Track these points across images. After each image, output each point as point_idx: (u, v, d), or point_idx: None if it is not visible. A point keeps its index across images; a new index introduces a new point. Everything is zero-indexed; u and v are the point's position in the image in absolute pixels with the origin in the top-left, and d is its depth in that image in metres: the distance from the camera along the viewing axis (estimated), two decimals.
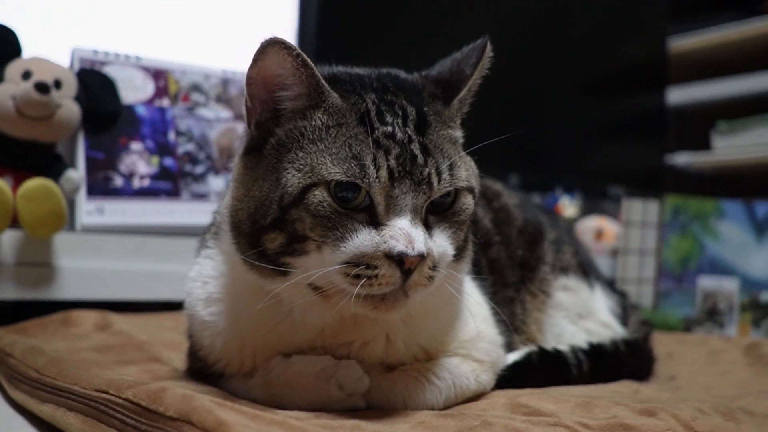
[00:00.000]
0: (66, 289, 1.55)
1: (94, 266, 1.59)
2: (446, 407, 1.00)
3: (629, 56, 3.33)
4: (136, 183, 1.67)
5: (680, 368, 1.46)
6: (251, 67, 0.91)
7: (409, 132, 0.91)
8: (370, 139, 0.89)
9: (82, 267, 1.57)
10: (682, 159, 3.12)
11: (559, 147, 3.02)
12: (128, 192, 1.66)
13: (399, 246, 0.86)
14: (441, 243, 0.92)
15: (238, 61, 1.94)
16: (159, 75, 1.77)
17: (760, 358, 1.44)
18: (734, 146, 2.96)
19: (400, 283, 0.87)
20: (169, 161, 1.71)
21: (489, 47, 1.03)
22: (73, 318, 1.49)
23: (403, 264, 0.86)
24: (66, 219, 1.49)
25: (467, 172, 0.96)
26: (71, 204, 1.61)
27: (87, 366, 1.10)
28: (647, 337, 1.49)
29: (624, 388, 1.22)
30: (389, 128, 0.90)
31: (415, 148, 0.90)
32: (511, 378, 1.14)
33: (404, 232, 0.87)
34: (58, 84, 1.54)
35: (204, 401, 0.78)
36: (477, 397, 1.06)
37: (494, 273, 1.32)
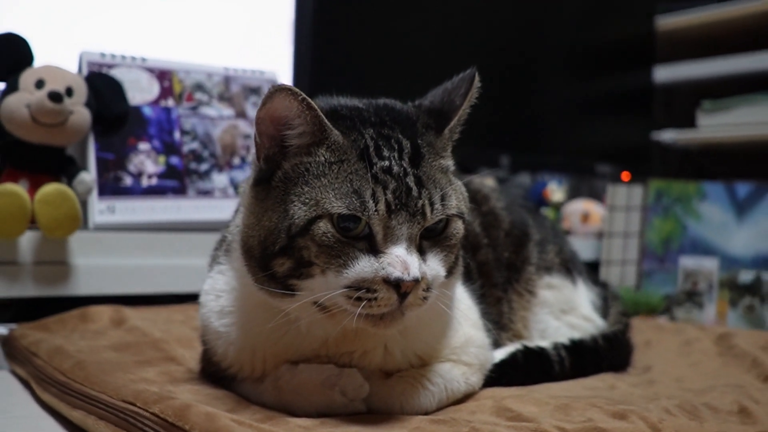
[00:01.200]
0: (81, 286, 1.65)
1: (107, 263, 1.68)
2: (439, 409, 1.12)
3: (617, 34, 3.41)
4: (145, 182, 1.76)
5: (655, 358, 1.57)
6: (260, 109, 1.00)
7: (405, 165, 1.01)
8: (369, 174, 0.98)
9: (96, 264, 1.67)
10: (668, 136, 3.20)
11: (548, 126, 3.11)
12: (137, 191, 1.75)
13: (396, 273, 0.96)
14: (433, 266, 1.02)
15: (238, 59, 2.02)
16: (164, 75, 1.85)
17: (729, 349, 1.55)
18: (718, 125, 3.05)
19: (397, 305, 0.98)
20: (175, 160, 1.80)
21: (477, 78, 1.12)
22: (90, 314, 1.59)
23: (400, 288, 0.96)
24: (80, 221, 1.58)
25: (457, 199, 1.06)
26: (84, 204, 1.70)
27: (111, 370, 1.20)
28: (626, 328, 1.60)
29: (602, 383, 1.33)
30: (386, 162, 1.00)
31: (410, 180, 0.99)
32: (498, 378, 1.25)
33: (400, 260, 0.97)
34: (69, 91, 1.62)
35: (226, 420, 0.88)
36: (467, 397, 1.18)
37: (483, 275, 1.42)
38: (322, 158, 1.00)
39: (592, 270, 2.35)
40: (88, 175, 1.66)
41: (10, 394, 1.31)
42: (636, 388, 1.31)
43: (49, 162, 1.65)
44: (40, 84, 1.60)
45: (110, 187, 1.72)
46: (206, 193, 1.82)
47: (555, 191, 2.43)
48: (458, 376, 1.16)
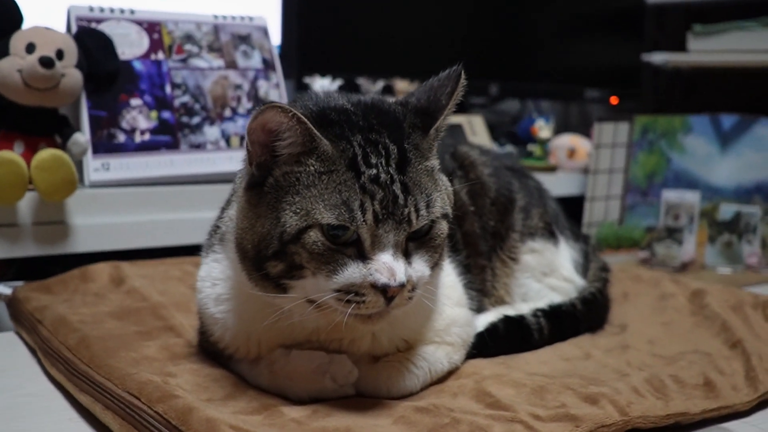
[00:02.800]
0: (80, 243, 1.70)
1: (104, 219, 1.73)
2: (424, 389, 1.20)
3: None
4: (138, 138, 1.78)
5: (631, 314, 1.65)
6: (251, 122, 1.03)
7: (392, 172, 1.05)
8: (357, 185, 1.02)
9: (93, 221, 1.72)
10: (658, 58, 3.21)
11: (536, 52, 3.10)
12: (131, 147, 1.78)
13: (382, 279, 1.02)
14: (419, 268, 1.08)
15: (226, 5, 2.01)
16: (153, 28, 1.85)
17: (702, 309, 1.63)
18: (709, 50, 3.05)
19: (384, 306, 1.04)
20: (166, 114, 1.82)
21: (463, 76, 1.15)
22: (90, 273, 1.65)
23: (387, 293, 1.02)
24: (77, 184, 1.62)
25: (442, 201, 1.10)
26: (79, 163, 1.73)
27: (114, 348, 1.27)
28: (604, 285, 1.67)
29: (578, 350, 1.41)
30: (374, 171, 1.04)
31: (397, 188, 1.04)
32: (480, 350, 1.33)
33: (387, 266, 1.02)
34: (60, 54, 1.63)
35: (226, 429, 0.95)
36: (450, 373, 1.26)
37: (468, 245, 1.48)
38: (312, 168, 1.04)
39: (576, 206, 2.42)
40: (83, 136, 1.69)
41: (20, 365, 1.37)
42: (610, 356, 1.39)
43: (42, 123, 1.67)
44: (30, 48, 1.60)
45: (104, 145, 1.75)
46: (198, 147, 1.85)
47: (542, 128, 2.46)
48: (442, 357, 1.24)
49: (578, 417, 1.09)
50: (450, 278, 1.33)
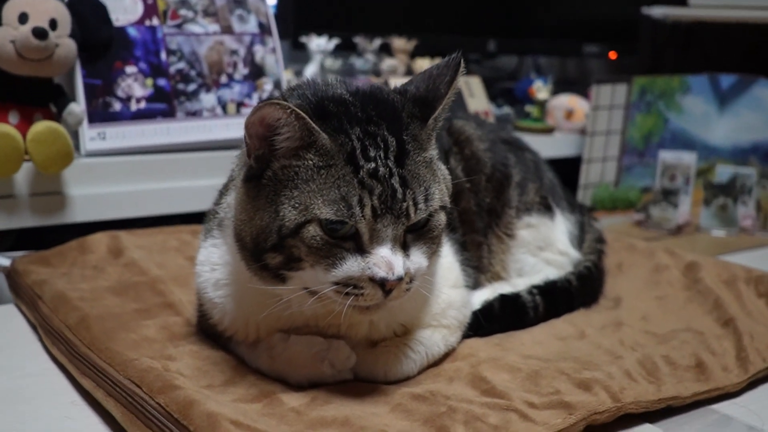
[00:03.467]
0: (77, 213, 1.71)
1: (101, 189, 1.73)
2: (420, 372, 1.22)
3: None
4: (134, 106, 1.77)
5: (625, 287, 1.66)
6: (250, 117, 1.03)
7: (390, 165, 1.05)
8: (355, 180, 1.02)
9: (90, 190, 1.72)
10: (658, 12, 3.17)
11: (534, 5, 3.06)
12: (127, 116, 1.76)
13: (381, 273, 1.02)
14: (417, 260, 1.08)
15: None
16: None
17: (695, 283, 1.64)
18: (709, 4, 3.02)
19: (382, 299, 1.05)
20: (162, 82, 1.80)
21: (462, 66, 1.14)
22: (88, 244, 1.65)
23: (385, 286, 1.03)
24: (73, 156, 1.62)
25: (440, 192, 1.10)
26: (75, 132, 1.73)
27: (114, 329, 1.28)
28: (599, 257, 1.69)
29: (573, 329, 1.43)
30: (372, 164, 1.03)
31: (395, 182, 1.04)
32: (476, 331, 1.35)
33: (385, 260, 1.03)
34: (53, 24, 1.61)
35: (226, 425, 0.97)
36: (447, 355, 1.28)
37: (464, 223, 1.48)
38: (311, 162, 1.04)
39: (573, 167, 2.42)
40: (78, 107, 1.67)
41: (20, 341, 1.39)
42: (604, 334, 1.41)
43: (37, 93, 1.66)
44: (23, 18, 1.58)
45: (100, 114, 1.74)
46: (195, 115, 1.84)
47: (540, 89, 2.44)
48: (438, 340, 1.25)
49: (572, 404, 1.11)
50: (447, 259, 1.34)
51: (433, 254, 1.13)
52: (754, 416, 1.22)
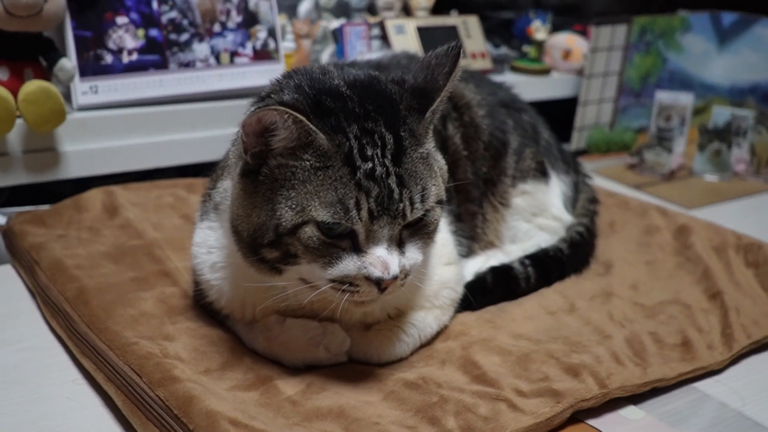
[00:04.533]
0: (71, 169, 1.70)
1: (94, 143, 1.72)
2: (413, 353, 1.25)
3: None
4: (125, 58, 1.74)
5: (617, 250, 1.68)
6: (247, 118, 1.02)
7: (387, 164, 1.04)
8: (352, 182, 1.02)
9: (83, 145, 1.71)
10: None
11: None
12: (119, 69, 1.73)
13: (376, 272, 1.04)
14: (412, 256, 1.10)
15: None
16: None
17: (685, 249, 1.66)
18: None
19: (377, 295, 1.07)
20: (154, 32, 1.76)
21: (461, 56, 1.12)
22: (83, 202, 1.65)
23: (380, 284, 1.05)
24: (65, 114, 1.60)
25: (437, 188, 1.11)
26: (66, 86, 1.70)
27: (112, 304, 1.30)
28: (592, 219, 1.70)
29: (563, 300, 1.46)
30: (369, 164, 1.03)
31: (392, 182, 1.04)
32: (468, 305, 1.37)
33: (381, 260, 1.04)
34: None
35: (225, 425, 1.00)
36: (440, 332, 1.31)
37: (460, 192, 1.49)
38: (308, 164, 1.03)
39: (569, 108, 2.40)
40: (69, 62, 1.65)
41: (19, 309, 1.40)
42: (593, 307, 1.43)
43: (27, 48, 1.63)
44: None
45: (91, 67, 1.71)
46: (187, 66, 1.81)
47: (539, 29, 2.39)
48: (431, 321, 1.28)
49: (559, 392, 1.15)
50: (441, 234, 1.34)
51: (428, 247, 1.14)
52: (734, 395, 1.26)
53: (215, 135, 1.85)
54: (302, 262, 1.07)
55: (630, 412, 1.20)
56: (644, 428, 1.17)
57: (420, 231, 1.10)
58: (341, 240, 1.05)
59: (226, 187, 1.19)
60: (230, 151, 1.21)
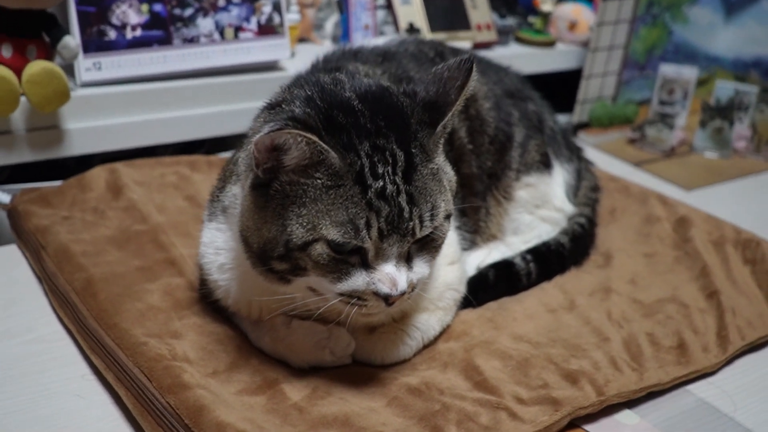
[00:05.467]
0: (74, 146, 1.70)
1: (98, 120, 1.71)
2: (416, 354, 1.28)
3: None
4: (129, 34, 1.72)
5: (616, 239, 1.70)
6: (260, 137, 1.01)
7: (398, 182, 1.05)
8: (363, 201, 1.03)
9: (87, 122, 1.70)
10: None
11: None
12: (122, 45, 1.71)
13: (384, 289, 1.06)
14: (419, 270, 1.11)
15: None
16: None
17: (684, 243, 1.68)
18: None
19: (384, 309, 1.09)
20: (158, 7, 1.74)
21: (474, 70, 1.12)
22: (87, 181, 1.66)
23: (388, 300, 1.07)
24: (69, 95, 1.59)
25: (446, 203, 1.11)
26: (70, 64, 1.69)
27: (120, 298, 1.31)
28: (593, 208, 1.72)
29: (563, 296, 1.48)
30: (380, 183, 1.04)
31: (402, 200, 1.05)
32: (469, 303, 1.39)
33: (390, 277, 1.06)
34: None
35: None
36: (442, 332, 1.33)
37: (464, 186, 1.49)
38: (319, 182, 1.04)
39: (573, 80, 2.39)
40: (73, 40, 1.63)
41: (27, 295, 1.42)
42: (592, 305, 1.46)
43: (30, 25, 1.61)
44: None
45: (95, 43, 1.69)
46: (191, 41, 1.79)
47: (546, 1, 2.37)
48: (434, 323, 1.30)
49: (558, 400, 1.18)
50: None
51: (435, 259, 1.16)
52: (726, 399, 1.30)
53: (220, 111, 1.85)
54: (311, 275, 1.08)
55: (625, 416, 1.24)
56: None
57: (428, 245, 1.12)
58: (351, 256, 1.06)
59: (236, 193, 1.19)
60: (240, 157, 1.21)
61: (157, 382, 1.12)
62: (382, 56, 1.54)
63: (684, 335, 1.38)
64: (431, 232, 1.10)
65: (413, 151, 1.08)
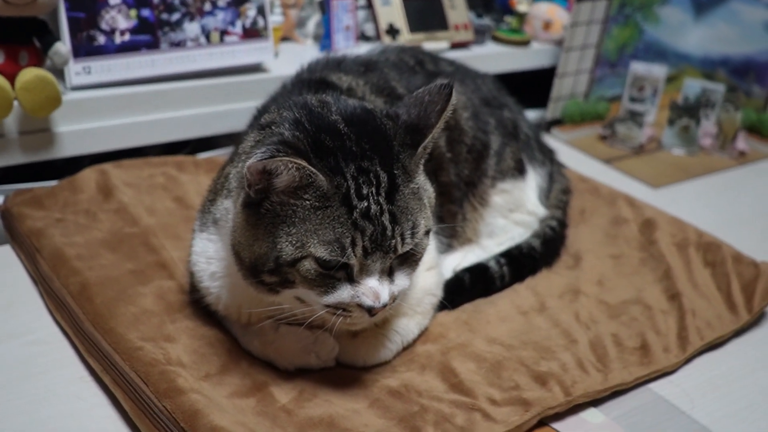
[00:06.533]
0: (66, 148, 1.75)
1: (88, 122, 1.77)
2: (396, 356, 1.36)
3: None
4: (118, 39, 1.77)
5: (586, 241, 1.78)
6: (252, 162, 1.07)
7: (381, 202, 1.12)
8: (349, 222, 1.10)
9: (77, 125, 1.75)
10: None
11: None
12: (111, 49, 1.76)
13: (368, 302, 1.13)
14: (401, 283, 1.19)
15: None
16: None
17: (650, 245, 1.77)
18: None
19: (368, 320, 1.17)
20: (146, 12, 1.79)
21: (454, 96, 1.19)
22: (78, 183, 1.71)
23: (372, 311, 1.15)
24: (61, 100, 1.65)
25: (425, 220, 1.19)
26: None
27: (114, 302, 1.38)
28: (564, 210, 1.80)
29: (534, 298, 1.56)
30: (365, 203, 1.11)
31: (385, 219, 1.12)
32: (445, 306, 1.47)
33: (373, 291, 1.14)
34: None
35: None
36: (421, 334, 1.41)
37: (442, 194, 1.56)
38: (308, 203, 1.11)
39: (547, 78, 2.47)
40: (64, 46, 1.68)
41: (24, 298, 1.48)
42: (561, 307, 1.54)
43: (22, 31, 1.65)
44: None
45: (84, 48, 1.74)
46: (178, 45, 1.84)
47: (522, 1, 2.43)
48: (413, 327, 1.38)
49: (528, 401, 1.27)
50: None
51: (414, 272, 1.23)
52: (685, 397, 1.39)
53: (205, 112, 1.91)
54: (299, 288, 1.15)
55: (591, 414, 1.33)
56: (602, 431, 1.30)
57: (408, 260, 1.19)
58: (337, 271, 1.13)
59: (227, 207, 1.26)
60: (231, 174, 1.28)
61: (154, 387, 1.19)
62: (365, 66, 1.60)
63: (647, 336, 1.48)
64: (412, 248, 1.18)
65: (395, 172, 1.15)
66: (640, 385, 1.41)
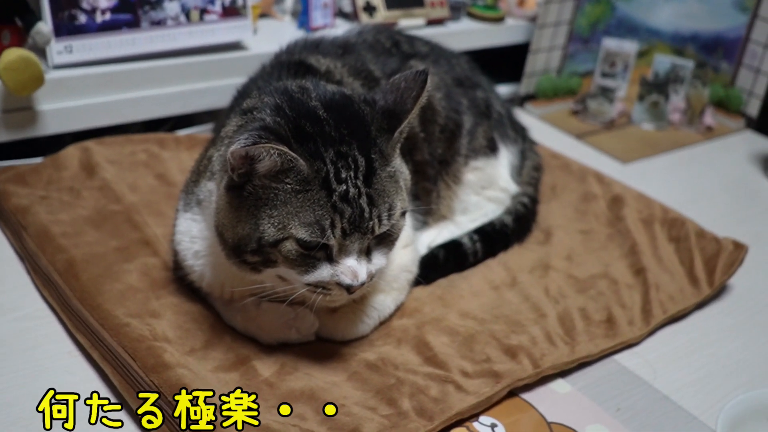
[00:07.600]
0: (48, 126, 1.78)
1: (70, 100, 1.79)
2: (373, 330, 1.42)
3: None
4: (99, 18, 1.79)
5: (556, 216, 1.85)
6: (235, 148, 1.12)
7: (359, 185, 1.18)
8: (329, 204, 1.15)
9: (60, 103, 1.78)
10: None
11: None
12: (92, 28, 1.78)
13: (347, 280, 1.19)
14: (378, 262, 1.24)
15: None
16: None
17: (617, 221, 1.83)
18: None
19: (347, 297, 1.23)
20: None
21: (428, 83, 1.24)
22: (61, 160, 1.74)
23: (350, 289, 1.20)
24: (44, 80, 1.67)
25: (402, 202, 1.24)
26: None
27: (100, 279, 1.42)
28: (536, 186, 1.86)
29: (505, 273, 1.63)
30: (343, 186, 1.16)
31: (363, 202, 1.18)
32: (422, 279, 1.53)
33: (351, 269, 1.19)
34: None
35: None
36: (397, 309, 1.47)
37: (417, 173, 1.61)
38: (289, 187, 1.15)
39: (521, 54, 2.52)
40: (46, 26, 1.70)
41: (11, 274, 1.52)
42: (532, 282, 1.61)
43: (4, 11, 1.67)
44: None
45: (66, 27, 1.76)
46: (159, 24, 1.86)
47: None
48: (390, 303, 1.44)
49: (499, 373, 1.34)
50: None
51: (391, 251, 1.29)
52: (648, 367, 1.47)
53: (186, 89, 1.94)
54: (281, 267, 1.21)
55: (558, 385, 1.40)
56: (569, 401, 1.36)
57: (385, 240, 1.25)
58: (317, 252, 1.19)
59: (210, 189, 1.30)
60: (214, 157, 1.32)
61: (141, 362, 1.24)
62: (342, 48, 1.64)
63: (613, 310, 1.54)
64: (388, 229, 1.23)
65: (373, 156, 1.20)
66: (606, 356, 1.47)
